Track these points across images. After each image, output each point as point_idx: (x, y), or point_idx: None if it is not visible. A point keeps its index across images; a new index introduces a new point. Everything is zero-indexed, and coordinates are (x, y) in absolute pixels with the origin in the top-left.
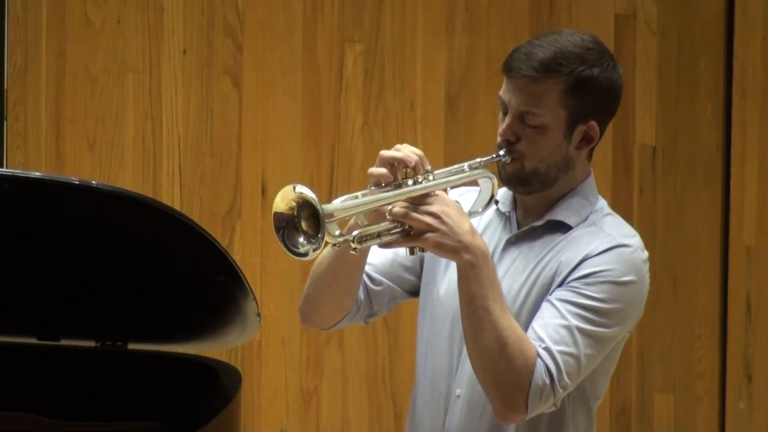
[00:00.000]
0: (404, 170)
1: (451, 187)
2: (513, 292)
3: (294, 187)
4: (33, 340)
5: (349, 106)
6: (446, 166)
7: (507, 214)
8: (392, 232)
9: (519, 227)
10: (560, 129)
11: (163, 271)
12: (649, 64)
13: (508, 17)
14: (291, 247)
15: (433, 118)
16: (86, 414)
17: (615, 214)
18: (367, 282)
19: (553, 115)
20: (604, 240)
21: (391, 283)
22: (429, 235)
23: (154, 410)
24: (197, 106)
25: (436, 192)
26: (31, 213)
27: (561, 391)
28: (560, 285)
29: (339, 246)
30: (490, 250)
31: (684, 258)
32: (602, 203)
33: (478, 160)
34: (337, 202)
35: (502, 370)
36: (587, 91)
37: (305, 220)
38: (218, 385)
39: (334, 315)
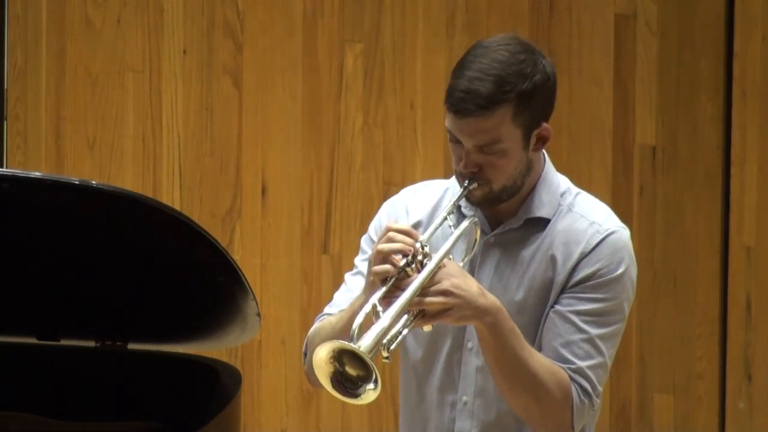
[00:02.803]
0: (407, 259)
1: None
2: (509, 295)
3: (331, 348)
4: (33, 340)
5: (349, 106)
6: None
7: (474, 216)
8: (411, 321)
9: (490, 226)
10: (519, 145)
11: (163, 271)
12: (649, 64)
13: (508, 17)
14: (355, 397)
15: (433, 118)
16: (86, 414)
17: (582, 191)
18: None
19: (510, 137)
20: (592, 230)
21: None
22: (448, 313)
23: (154, 410)
24: (197, 106)
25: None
26: (31, 213)
27: (598, 401)
28: (563, 288)
29: (374, 359)
30: (467, 254)
31: (684, 258)
32: (566, 183)
33: (450, 202)
34: (361, 327)
35: (545, 409)
36: (534, 101)
37: (348, 365)
38: (218, 385)
39: None
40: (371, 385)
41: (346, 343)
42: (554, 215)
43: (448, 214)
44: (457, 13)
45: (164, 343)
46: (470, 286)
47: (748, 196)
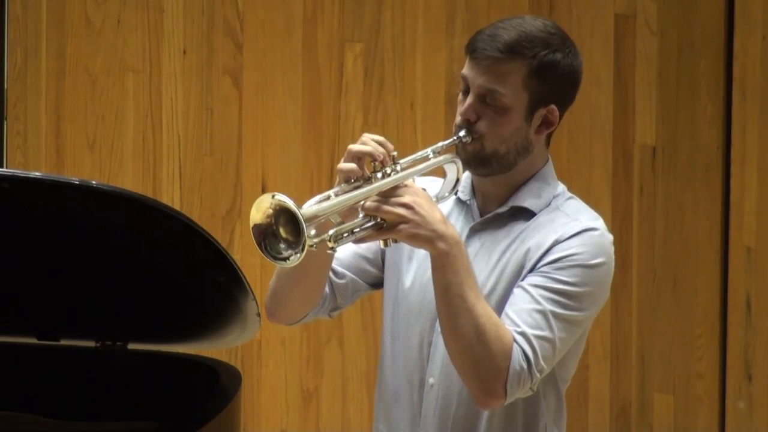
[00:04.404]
0: (372, 163)
1: (419, 176)
2: (481, 280)
3: (273, 195)
4: (33, 340)
5: (349, 106)
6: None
7: (467, 202)
8: (366, 226)
9: (481, 215)
10: (521, 111)
11: (164, 271)
12: (649, 64)
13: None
14: (274, 255)
15: (433, 118)
16: (86, 414)
17: (576, 197)
18: (331, 275)
19: (516, 96)
20: (572, 224)
21: (354, 276)
22: (402, 226)
23: (154, 410)
24: (197, 106)
25: (406, 182)
26: (31, 213)
27: (538, 375)
28: (531, 270)
29: (316, 247)
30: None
31: (684, 258)
32: (562, 187)
33: (440, 144)
34: (312, 204)
35: (480, 357)
36: (549, 75)
37: (283, 227)
38: (218, 385)
39: (301, 310)
40: (297, 254)
41: (290, 201)
42: (540, 211)
43: (434, 152)
44: (457, 13)
45: (164, 343)
46: (433, 210)
47: (748, 196)
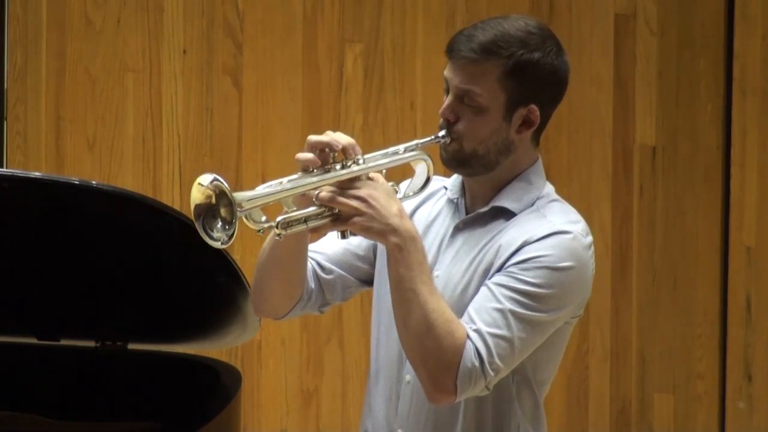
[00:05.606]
0: (332, 155)
1: (385, 170)
2: (456, 278)
3: (199, 182)
4: (33, 340)
5: (349, 106)
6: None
7: (456, 201)
8: (320, 216)
9: (467, 214)
10: (499, 111)
11: (164, 271)
12: (649, 64)
13: None
14: (208, 233)
15: (433, 118)
16: (86, 414)
17: (562, 200)
18: (318, 271)
19: (492, 96)
20: (545, 226)
21: (343, 272)
22: (356, 219)
23: (154, 410)
24: (197, 106)
25: (370, 175)
26: (31, 213)
27: (492, 373)
28: (499, 269)
29: (263, 232)
30: (440, 237)
31: (684, 258)
32: (549, 189)
33: (415, 141)
34: (258, 189)
35: (430, 351)
36: (527, 75)
37: (224, 208)
38: (218, 385)
39: (283, 304)
40: (228, 235)
41: (224, 183)
42: (521, 211)
43: (406, 149)
44: (457, 13)
45: (164, 343)
46: (390, 204)
47: (748, 196)
